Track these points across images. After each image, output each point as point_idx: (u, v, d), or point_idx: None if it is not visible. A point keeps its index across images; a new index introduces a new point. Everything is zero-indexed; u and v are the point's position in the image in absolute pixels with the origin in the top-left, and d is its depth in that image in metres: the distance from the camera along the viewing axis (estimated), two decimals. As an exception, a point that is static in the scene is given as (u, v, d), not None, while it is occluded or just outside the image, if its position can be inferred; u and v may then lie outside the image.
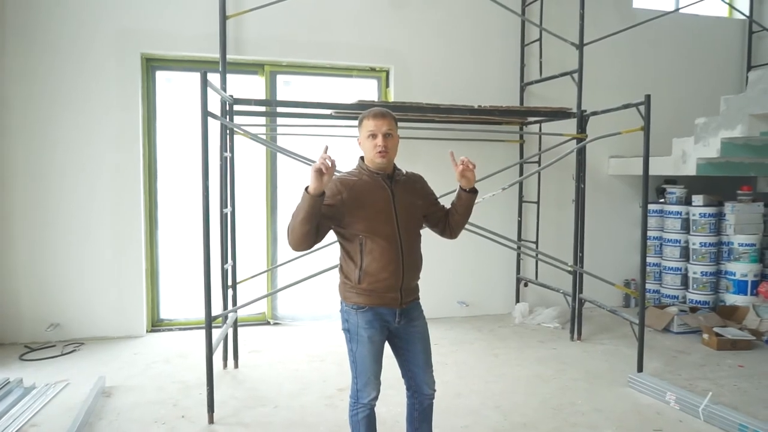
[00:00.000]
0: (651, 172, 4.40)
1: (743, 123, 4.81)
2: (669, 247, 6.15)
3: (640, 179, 4.40)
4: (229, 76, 4.99)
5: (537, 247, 5.77)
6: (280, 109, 5.17)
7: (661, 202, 6.30)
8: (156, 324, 5.43)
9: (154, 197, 5.37)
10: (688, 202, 6.07)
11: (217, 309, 3.86)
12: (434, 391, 2.70)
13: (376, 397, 2.59)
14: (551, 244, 5.80)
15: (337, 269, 2.68)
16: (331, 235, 2.55)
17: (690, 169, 5.29)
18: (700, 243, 5.88)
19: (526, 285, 6.11)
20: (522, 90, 5.99)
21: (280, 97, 5.60)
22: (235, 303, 4.48)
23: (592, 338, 5.25)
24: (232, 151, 4.50)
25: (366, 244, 2.48)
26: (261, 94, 5.52)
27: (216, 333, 3.68)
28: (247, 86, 5.49)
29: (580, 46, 5.07)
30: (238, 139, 4.61)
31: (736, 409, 3.55)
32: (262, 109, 5.03)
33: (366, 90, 5.85)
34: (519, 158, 5.89)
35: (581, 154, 5.10)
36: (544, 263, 5.41)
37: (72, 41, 4.93)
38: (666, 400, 3.76)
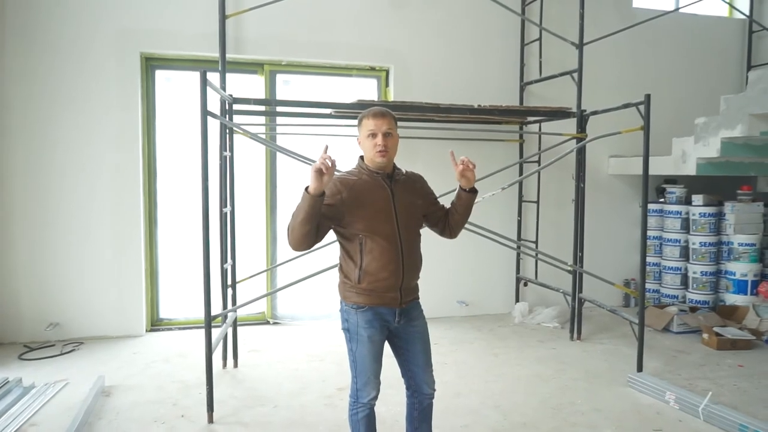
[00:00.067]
0: (651, 172, 4.40)
1: (743, 123, 4.81)
2: (669, 247, 6.15)
3: (640, 179, 4.40)
4: (228, 76, 4.98)
5: (537, 246, 5.76)
6: (279, 109, 5.16)
7: (661, 202, 6.30)
8: (155, 323, 5.43)
9: (154, 197, 5.37)
10: (688, 201, 6.07)
11: (216, 308, 3.86)
12: (434, 390, 2.70)
13: (376, 397, 2.59)
14: (551, 243, 5.80)
15: (336, 269, 2.68)
16: (330, 235, 2.55)
17: (690, 169, 5.29)
18: (700, 243, 5.88)
19: (525, 284, 6.11)
20: (522, 89, 5.99)
21: (279, 96, 5.60)
22: (234, 302, 4.48)
23: (591, 338, 5.25)
24: (231, 151, 4.49)
25: (366, 244, 2.48)
26: (260, 94, 5.52)
27: (215, 332, 3.68)
28: (247, 85, 5.49)
29: (580, 46, 5.07)
30: (238, 139, 4.61)
31: (736, 409, 3.55)
32: (262, 108, 5.02)
33: (366, 89, 5.84)
34: (519, 158, 5.89)
35: (581, 153, 5.10)
36: (544, 263, 5.41)
37: (72, 41, 4.93)
38: (666, 400, 3.76)
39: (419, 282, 2.67)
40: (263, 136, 5.00)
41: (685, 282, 6.08)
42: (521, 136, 5.98)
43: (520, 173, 5.87)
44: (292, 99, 5.19)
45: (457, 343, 5.08)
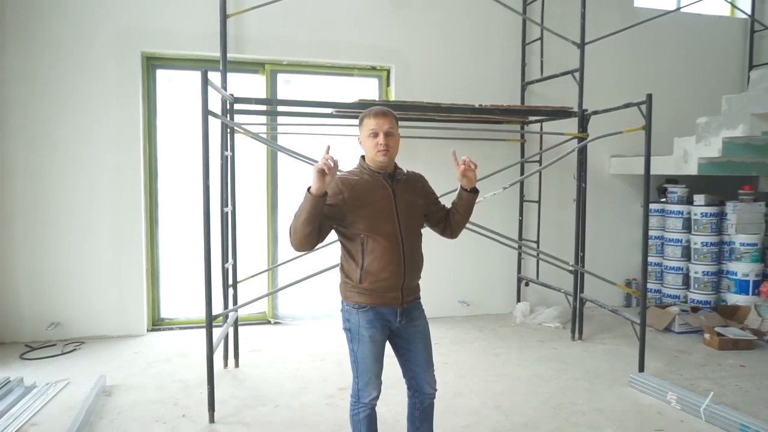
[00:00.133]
0: (652, 172, 4.40)
1: (745, 122, 4.80)
2: (670, 247, 6.14)
3: (642, 179, 4.40)
4: (229, 75, 4.98)
5: (538, 246, 5.76)
6: (280, 108, 5.16)
7: (663, 202, 6.29)
8: (156, 323, 5.43)
9: (155, 196, 5.37)
10: (689, 201, 6.06)
11: (217, 308, 3.85)
12: (435, 390, 2.70)
13: (377, 397, 2.59)
14: (552, 243, 5.79)
15: (337, 268, 2.68)
16: (331, 235, 2.55)
17: (691, 169, 5.28)
18: (702, 242, 5.87)
19: (527, 284, 6.11)
20: (523, 89, 5.98)
21: (280, 96, 5.59)
22: (235, 302, 4.48)
23: (593, 338, 5.25)
24: (232, 150, 4.49)
25: (367, 244, 2.48)
26: (262, 93, 5.52)
27: (216, 332, 3.68)
28: (248, 85, 5.49)
29: (582, 45, 5.06)
30: (239, 138, 4.61)
31: (738, 409, 3.55)
32: (263, 108, 5.02)
33: (367, 89, 5.84)
34: (520, 157, 5.89)
35: (582, 153, 5.09)
36: (545, 263, 5.40)
37: (72, 41, 4.93)
38: (667, 400, 3.76)
39: (420, 282, 2.67)
40: (264, 136, 4.99)
41: (686, 282, 6.07)
42: (522, 136, 5.98)
43: (522, 173, 5.86)
44: (293, 99, 5.19)
45: (458, 342, 5.08)
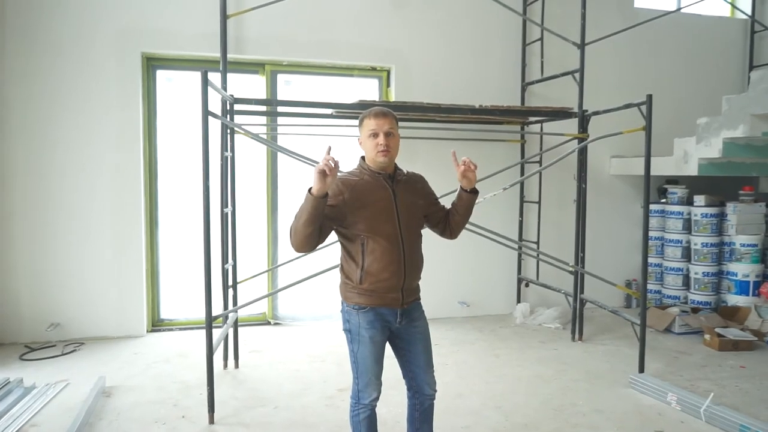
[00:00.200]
0: (652, 172, 4.39)
1: (745, 123, 4.80)
2: (670, 248, 6.14)
3: (642, 179, 4.39)
4: (229, 76, 4.97)
5: (538, 247, 5.75)
6: (280, 109, 5.16)
7: (663, 203, 6.29)
8: (156, 324, 5.42)
9: (155, 197, 5.37)
10: (689, 202, 6.05)
11: (217, 309, 3.85)
12: (435, 391, 2.70)
13: (377, 398, 2.58)
14: (552, 244, 5.79)
15: (337, 269, 2.67)
16: (331, 235, 2.54)
17: (692, 170, 5.28)
18: (702, 243, 5.87)
19: (527, 285, 6.10)
20: (523, 90, 5.98)
21: (280, 96, 5.59)
22: (235, 303, 4.48)
23: (593, 339, 5.24)
24: (232, 151, 4.49)
25: (368, 244, 2.48)
26: (262, 94, 5.52)
27: (216, 333, 3.68)
28: (248, 86, 5.49)
29: (582, 46, 5.06)
30: (239, 139, 4.61)
31: (738, 410, 3.54)
32: (263, 108, 5.02)
33: (367, 89, 5.84)
34: (520, 158, 5.88)
35: (582, 154, 5.09)
36: (545, 263, 5.39)
37: (72, 41, 4.93)
38: (667, 401, 3.75)
39: (420, 282, 2.67)
40: (264, 137, 4.99)
41: (686, 283, 6.06)
42: (522, 137, 5.97)
43: (522, 173, 5.86)
44: (294, 99, 5.18)
45: (458, 343, 5.08)
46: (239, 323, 4.65)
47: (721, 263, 5.90)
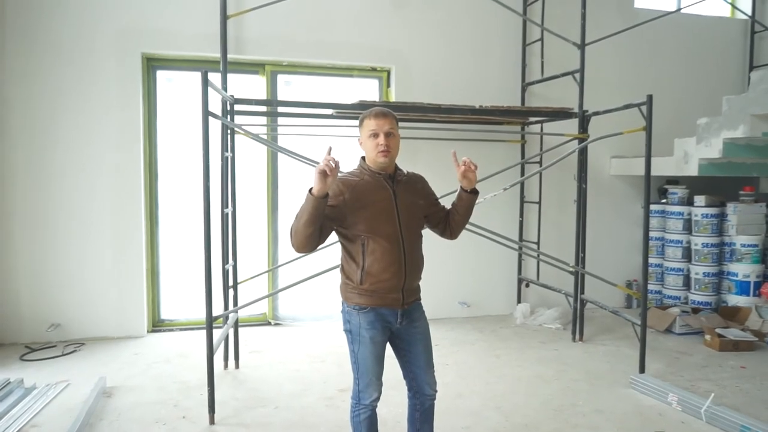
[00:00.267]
0: (653, 173, 4.39)
1: (745, 123, 4.80)
2: (671, 248, 6.13)
3: (642, 179, 4.39)
4: (229, 76, 4.97)
5: (538, 247, 5.75)
6: (281, 109, 5.16)
7: (663, 203, 6.29)
8: (157, 324, 5.42)
9: (155, 197, 5.37)
10: (690, 202, 6.05)
11: (218, 309, 3.85)
12: (435, 391, 2.70)
13: (378, 398, 2.58)
14: (553, 244, 5.79)
15: (337, 270, 2.67)
16: (331, 236, 2.54)
17: (692, 170, 5.28)
18: (702, 244, 5.87)
19: (527, 285, 6.10)
20: (523, 90, 5.98)
21: (281, 96, 5.59)
22: (236, 303, 4.48)
23: (593, 339, 5.24)
24: (233, 151, 4.49)
25: (368, 245, 2.47)
26: (262, 94, 5.52)
27: (217, 333, 3.67)
28: (248, 86, 5.49)
29: (582, 46, 5.06)
30: (239, 139, 4.61)
31: (739, 411, 3.54)
32: (263, 108, 5.02)
33: (367, 90, 5.84)
34: (520, 158, 5.88)
35: (583, 154, 5.09)
36: (546, 264, 5.40)
37: (72, 41, 4.93)
38: (668, 402, 3.75)
39: (421, 283, 2.67)
40: (264, 137, 5.00)
41: (687, 283, 6.06)
42: (523, 137, 5.97)
43: (522, 174, 5.86)
44: (294, 100, 5.18)
45: (458, 344, 5.07)
46: (240, 324, 4.65)
47: (722, 264, 5.90)
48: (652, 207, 6.20)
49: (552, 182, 5.97)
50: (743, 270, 5.69)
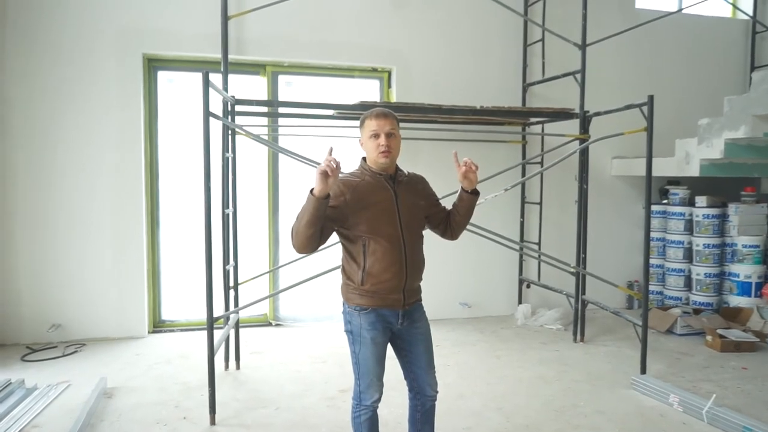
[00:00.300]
0: (654, 173, 4.39)
1: (747, 124, 4.79)
2: (672, 249, 6.13)
3: (643, 180, 4.39)
4: (230, 77, 4.97)
5: (539, 248, 5.75)
6: (281, 110, 5.16)
7: (664, 203, 6.28)
8: (158, 325, 5.42)
9: (156, 197, 5.37)
10: (691, 203, 6.05)
11: (218, 310, 3.85)
12: (436, 392, 2.69)
13: (379, 399, 2.58)
14: (554, 245, 5.79)
15: (338, 270, 2.67)
16: (332, 236, 2.54)
17: (693, 170, 5.27)
18: (704, 244, 5.86)
19: (528, 286, 6.10)
20: (524, 90, 5.98)
21: (281, 97, 5.59)
22: (236, 304, 4.47)
23: (594, 340, 5.24)
24: (233, 152, 4.49)
25: (369, 245, 2.47)
26: (263, 95, 5.52)
27: (218, 334, 3.67)
28: (249, 87, 5.49)
29: (583, 47, 5.05)
30: (240, 140, 4.61)
31: (740, 412, 3.53)
32: (264, 109, 5.02)
33: (368, 90, 5.84)
34: (521, 159, 5.88)
35: (584, 154, 5.08)
36: (547, 264, 5.39)
37: (73, 41, 4.93)
38: (669, 402, 3.75)
39: (422, 283, 2.66)
40: (265, 138, 5.00)
41: (688, 284, 6.05)
42: (524, 138, 5.97)
43: (523, 174, 5.85)
44: (295, 100, 5.18)
45: (459, 344, 5.07)
46: (240, 324, 4.64)
47: (723, 264, 5.90)
48: (654, 207, 6.20)
49: (553, 183, 5.97)
50: (745, 271, 5.69)
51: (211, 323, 3.49)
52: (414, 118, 5.04)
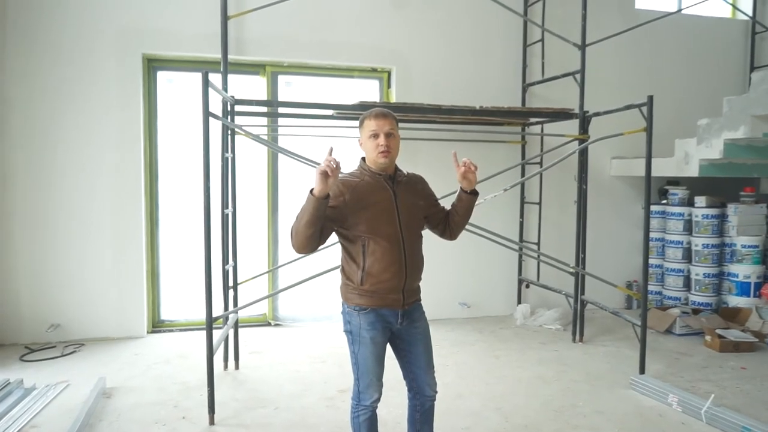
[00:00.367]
0: (653, 174, 4.39)
1: (746, 124, 4.80)
2: (671, 249, 6.13)
3: (643, 180, 4.39)
4: (230, 77, 4.96)
5: (539, 248, 5.75)
6: (281, 110, 5.16)
7: (664, 204, 6.28)
8: (157, 325, 5.42)
9: (155, 197, 5.37)
10: (690, 203, 6.05)
11: (218, 310, 3.85)
12: (436, 392, 2.69)
13: (378, 399, 2.58)
14: (553, 245, 5.79)
15: (338, 270, 2.67)
16: (332, 236, 2.54)
17: (692, 171, 5.28)
18: (703, 244, 5.86)
19: (527, 286, 6.10)
20: (524, 91, 5.98)
21: (281, 97, 5.59)
22: (236, 304, 4.47)
23: (593, 340, 5.24)
24: (233, 152, 4.49)
25: (368, 245, 2.47)
26: (262, 95, 5.52)
27: (217, 334, 3.67)
28: (249, 87, 5.49)
29: (583, 47, 5.06)
30: (240, 140, 4.61)
31: (739, 412, 3.53)
32: (264, 109, 5.02)
33: (367, 91, 5.84)
34: (521, 159, 5.88)
35: (583, 155, 5.08)
36: (546, 264, 5.39)
37: (73, 41, 4.93)
38: (668, 402, 3.75)
39: (421, 283, 2.66)
40: (265, 138, 4.99)
41: (687, 284, 6.06)
42: (523, 138, 5.97)
43: (522, 175, 5.85)
44: (294, 100, 5.18)
45: (458, 344, 5.07)
46: (239, 324, 4.64)
47: (722, 264, 5.90)
48: (653, 208, 6.20)
49: (552, 183, 5.97)
50: (744, 271, 5.69)
51: (210, 323, 3.49)
52: (413, 118, 5.05)
